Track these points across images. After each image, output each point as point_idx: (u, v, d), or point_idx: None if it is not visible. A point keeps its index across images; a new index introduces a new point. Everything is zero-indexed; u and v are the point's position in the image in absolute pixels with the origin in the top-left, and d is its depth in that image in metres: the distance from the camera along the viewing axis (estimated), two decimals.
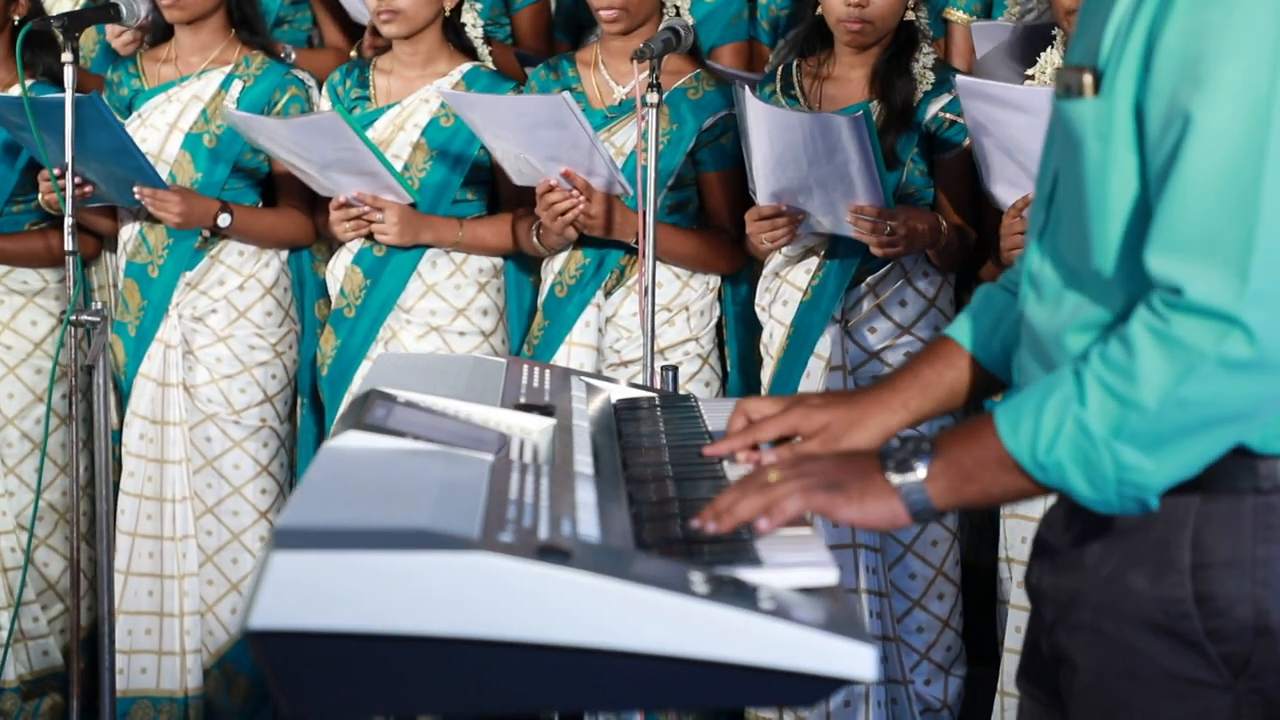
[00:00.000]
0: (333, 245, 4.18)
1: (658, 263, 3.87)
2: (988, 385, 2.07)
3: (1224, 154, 1.67)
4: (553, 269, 3.99)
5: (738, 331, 4.08)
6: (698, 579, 1.58)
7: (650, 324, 3.49)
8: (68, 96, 3.71)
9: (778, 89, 3.83)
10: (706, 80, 3.96)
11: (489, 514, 1.65)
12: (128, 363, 4.22)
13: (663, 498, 1.91)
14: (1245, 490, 1.77)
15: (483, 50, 4.12)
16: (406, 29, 3.97)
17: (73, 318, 3.68)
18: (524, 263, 4.16)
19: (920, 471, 1.77)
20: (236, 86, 4.16)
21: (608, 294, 3.95)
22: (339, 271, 4.11)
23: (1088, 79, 1.77)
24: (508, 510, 1.68)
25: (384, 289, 4.05)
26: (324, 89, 4.19)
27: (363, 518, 1.59)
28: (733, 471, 2.05)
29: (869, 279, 3.75)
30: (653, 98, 3.39)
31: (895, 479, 1.78)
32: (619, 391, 2.52)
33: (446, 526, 1.57)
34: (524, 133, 3.67)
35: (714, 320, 4.03)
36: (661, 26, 3.56)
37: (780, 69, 3.86)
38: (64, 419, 4.23)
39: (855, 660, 1.53)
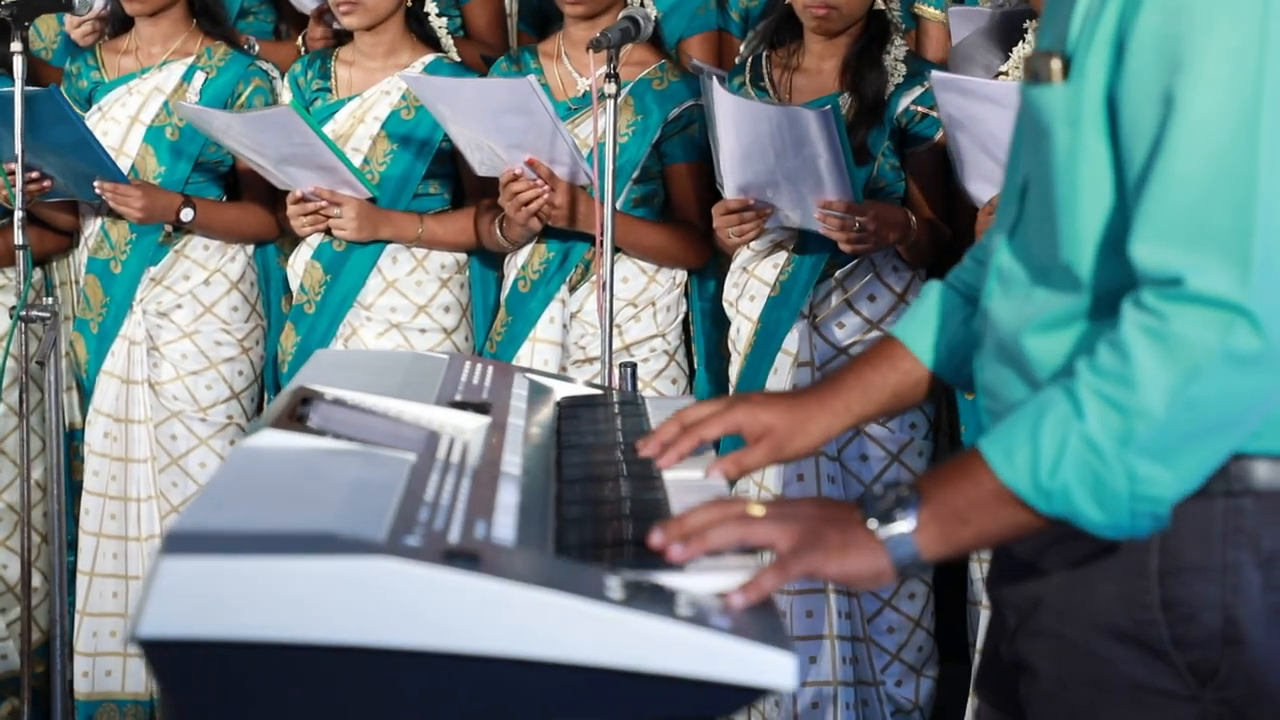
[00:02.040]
0: (295, 240, 4.11)
1: (623, 257, 3.83)
2: (933, 388, 2.00)
3: (1214, 136, 1.59)
4: (516, 264, 3.92)
5: (705, 327, 4.01)
6: (614, 584, 1.51)
7: (609, 320, 3.42)
8: (17, 88, 3.63)
9: (747, 80, 3.76)
10: (672, 71, 3.89)
11: (399, 516, 1.58)
12: (90, 360, 4.15)
13: (592, 499, 1.84)
14: (1215, 492, 1.68)
15: (446, 41, 4.05)
16: (368, 20, 3.90)
17: (23, 313, 3.61)
18: (489, 259, 4.08)
19: (906, 523, 1.65)
20: (199, 78, 4.09)
21: (572, 289, 3.88)
22: (299, 267, 4.05)
23: (1056, 64, 1.69)
24: (419, 512, 1.61)
25: (343, 285, 3.98)
26: (285, 80, 4.12)
27: (262, 521, 1.52)
28: (669, 474, 1.98)
29: (838, 274, 3.68)
30: (610, 88, 3.32)
31: (881, 532, 1.66)
32: (565, 389, 2.45)
33: (349, 529, 1.50)
34: (488, 118, 3.60)
35: (680, 316, 3.96)
36: (620, 15, 3.48)
37: (750, 60, 3.79)
38: (21, 416, 4.15)
39: (774, 669, 1.46)
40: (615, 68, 3.32)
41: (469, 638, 1.45)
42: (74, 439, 4.30)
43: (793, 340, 3.66)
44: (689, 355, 4.03)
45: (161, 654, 1.44)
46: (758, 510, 1.68)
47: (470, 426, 2.07)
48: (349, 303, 3.99)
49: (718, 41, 4.25)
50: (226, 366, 4.11)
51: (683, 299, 3.96)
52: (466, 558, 1.48)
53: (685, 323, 4.01)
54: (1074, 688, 1.76)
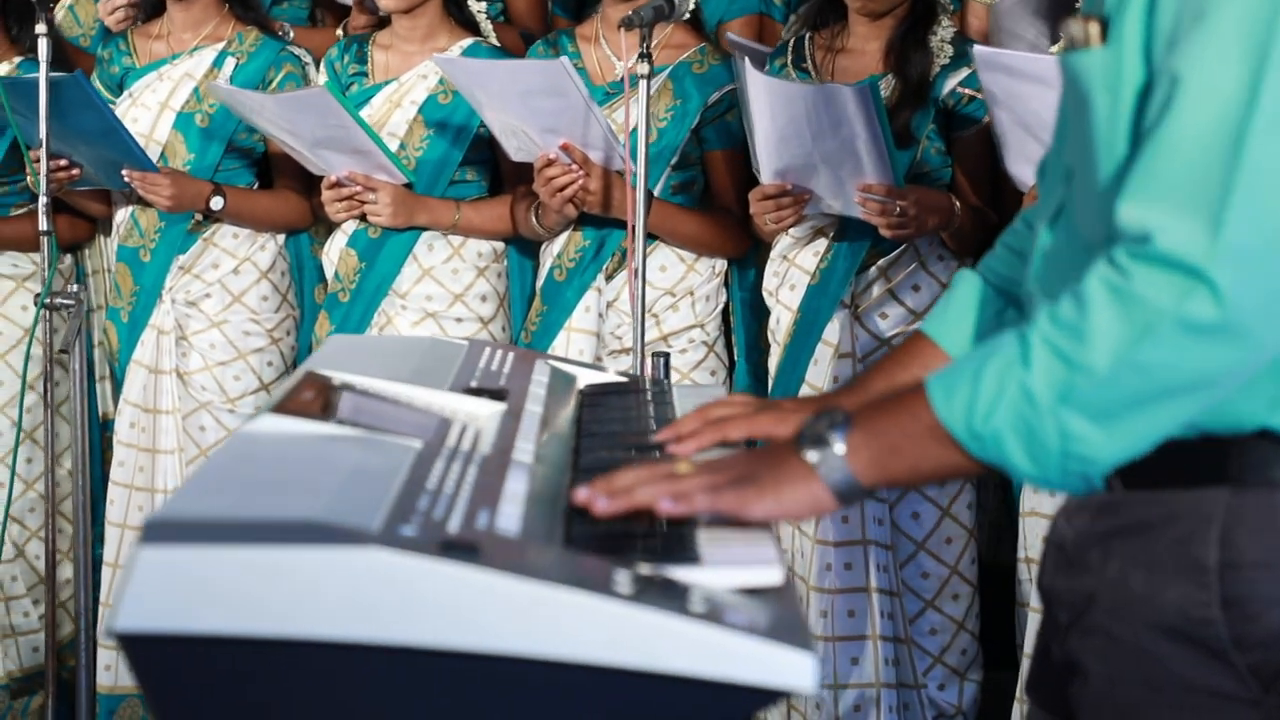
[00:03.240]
0: (331, 228, 4.03)
1: (661, 245, 3.74)
2: None
3: (1212, 99, 1.49)
4: (552, 252, 3.83)
5: (745, 318, 3.90)
6: (623, 578, 1.41)
7: (641, 308, 3.32)
8: (42, 72, 3.56)
9: (789, 62, 3.65)
10: (712, 54, 3.79)
11: (397, 505, 1.48)
12: (121, 349, 4.08)
13: None
14: (1278, 482, 1.59)
15: (485, 25, 3.97)
16: (405, 3, 3.82)
17: (47, 300, 3.54)
18: (526, 247, 3.99)
19: (838, 446, 1.60)
20: (230, 64, 4.02)
21: (609, 278, 3.78)
22: (334, 254, 3.97)
23: (1094, 28, 1.60)
24: (419, 501, 1.51)
25: (379, 273, 3.90)
26: (322, 65, 4.04)
27: (249, 508, 1.43)
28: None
29: (880, 262, 3.56)
30: (643, 68, 3.22)
31: (812, 457, 1.61)
32: (590, 377, 2.36)
33: (341, 518, 1.40)
34: (521, 101, 3.51)
35: (720, 306, 3.86)
36: None
37: (792, 42, 3.69)
38: (47, 406, 4.09)
39: (792, 670, 1.35)
40: (648, 47, 3.22)
41: (466, 633, 1.35)
42: (108, 429, 4.24)
43: (833, 331, 3.55)
44: (729, 346, 3.93)
45: (140, 649, 1.35)
46: (686, 467, 1.64)
47: (484, 413, 1.98)
48: (384, 291, 3.91)
49: (759, 25, 4.15)
50: (255, 357, 4.03)
51: (723, 289, 3.86)
52: (465, 549, 1.38)
53: (725, 313, 3.91)
54: (1125, 689, 1.67)
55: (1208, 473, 1.60)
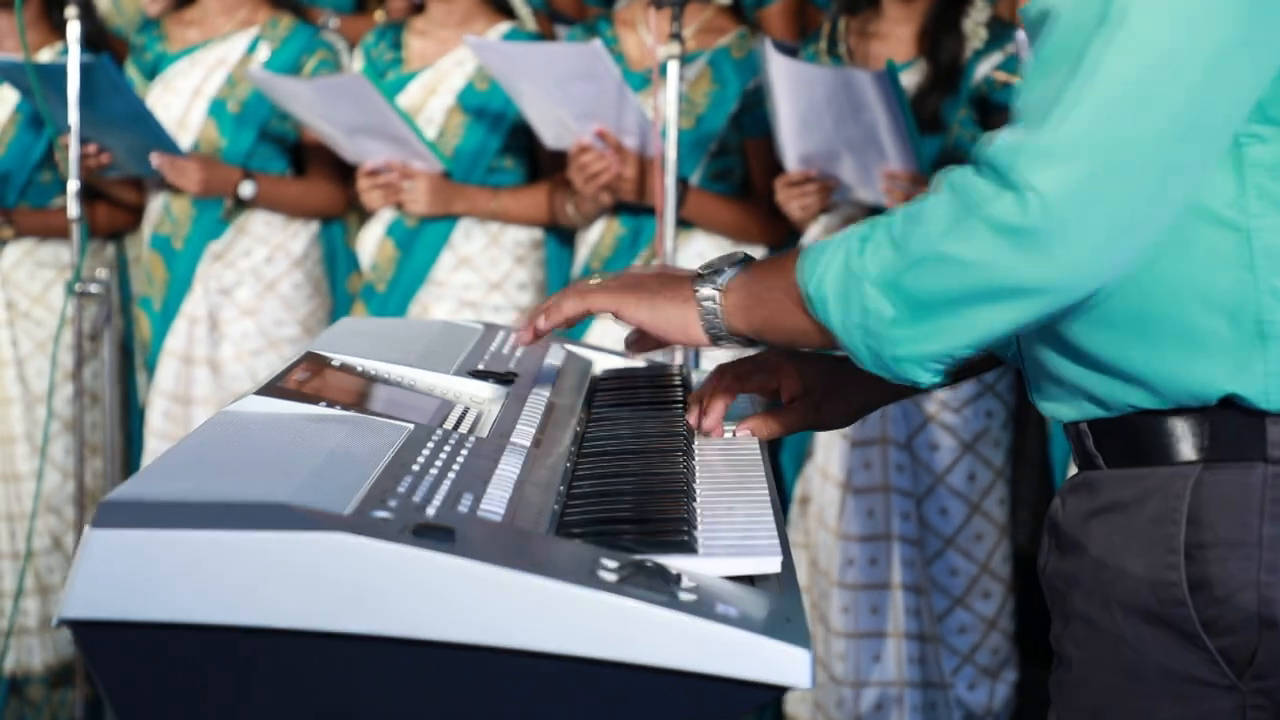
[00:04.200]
0: (365, 216, 3.96)
1: (698, 233, 3.65)
2: (979, 363, 1.82)
3: (1072, 16, 1.44)
4: (588, 240, 3.75)
5: None
6: (609, 566, 1.32)
7: None
8: (72, 57, 3.51)
9: (823, 48, 3.55)
10: (752, 39, 3.69)
11: (374, 488, 1.41)
12: (153, 338, 4.02)
13: (609, 473, 1.67)
14: (1253, 458, 1.50)
15: (523, 10, 3.89)
16: None
17: (76, 287, 3.48)
18: (565, 236, 3.91)
19: (721, 282, 1.64)
20: (263, 49, 3.95)
21: (646, 267, 3.69)
22: (370, 243, 3.90)
23: None
24: (400, 484, 1.43)
25: (416, 261, 3.82)
26: (357, 51, 3.97)
27: (212, 490, 1.35)
28: (702, 448, 1.80)
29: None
30: (674, 49, 3.13)
31: (698, 286, 1.65)
32: (607, 361, 2.28)
33: (309, 501, 1.32)
34: (554, 86, 3.43)
35: None
36: None
37: (826, 28, 3.59)
38: (91, 396, 4.04)
39: (786, 665, 1.26)
40: (679, 28, 3.13)
41: (437, 623, 1.27)
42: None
43: None
44: None
45: (90, 637, 1.28)
46: (595, 280, 1.75)
47: (488, 396, 1.91)
48: (421, 279, 3.84)
49: (798, 10, 4.05)
50: (288, 347, 3.96)
51: None
52: (438, 534, 1.30)
53: None
54: (1102, 675, 1.59)
55: (1181, 449, 1.53)
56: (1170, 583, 1.53)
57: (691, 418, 1.87)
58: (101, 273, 3.54)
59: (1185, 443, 1.53)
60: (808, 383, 1.87)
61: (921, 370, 1.52)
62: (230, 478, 1.41)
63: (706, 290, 1.64)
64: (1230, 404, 1.51)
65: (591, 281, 1.74)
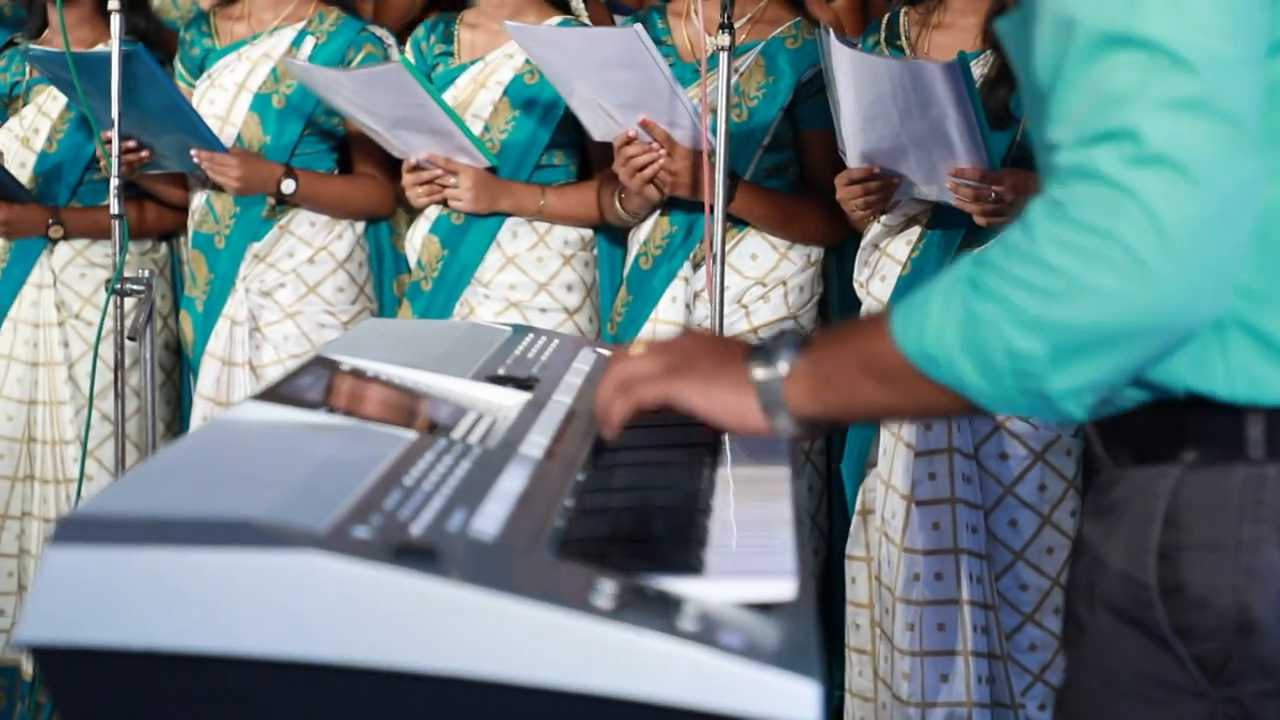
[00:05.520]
0: (412, 215, 3.88)
1: (752, 232, 3.55)
2: None
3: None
4: (638, 239, 3.64)
5: (843, 310, 3.68)
6: (606, 590, 1.23)
7: (719, 297, 3.12)
8: (114, 48, 3.44)
9: (882, 39, 3.44)
10: (807, 28, 3.58)
11: (360, 503, 1.31)
12: (196, 340, 3.96)
13: (621, 487, 1.57)
14: (1233, 458, 1.47)
15: (577, 3, 3.79)
16: None
17: (117, 286, 3.42)
18: (617, 234, 3.82)
19: (782, 365, 1.53)
20: (309, 43, 3.88)
21: (696, 266, 3.58)
22: (417, 241, 3.81)
23: None
24: (388, 499, 1.34)
25: (461, 260, 3.74)
26: (408, 45, 3.90)
27: (182, 505, 1.26)
28: (731, 460, 1.70)
29: (976, 251, 3.31)
30: (724, 39, 3.02)
31: (755, 369, 1.54)
32: None
33: (284, 517, 1.23)
34: (598, 74, 3.33)
35: (816, 297, 3.64)
36: None
37: (886, 18, 3.47)
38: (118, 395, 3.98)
39: (789, 700, 1.16)
40: (729, 17, 3.02)
41: (415, 651, 1.18)
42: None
43: None
44: None
45: (49, 661, 1.19)
46: (639, 348, 1.63)
47: (505, 403, 1.81)
48: (466, 279, 3.75)
49: (863, 3, 3.94)
50: None
51: (819, 279, 3.66)
52: (419, 554, 1.21)
53: (824, 306, 3.70)
54: (1087, 677, 1.56)
55: (1166, 448, 1.50)
56: (1143, 584, 1.49)
57: None
58: (143, 272, 3.46)
59: (1169, 441, 1.50)
60: None
61: (1077, 405, 1.44)
62: (208, 490, 1.32)
63: (764, 374, 1.54)
64: (1206, 401, 1.47)
65: (634, 354, 1.62)
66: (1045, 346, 1.39)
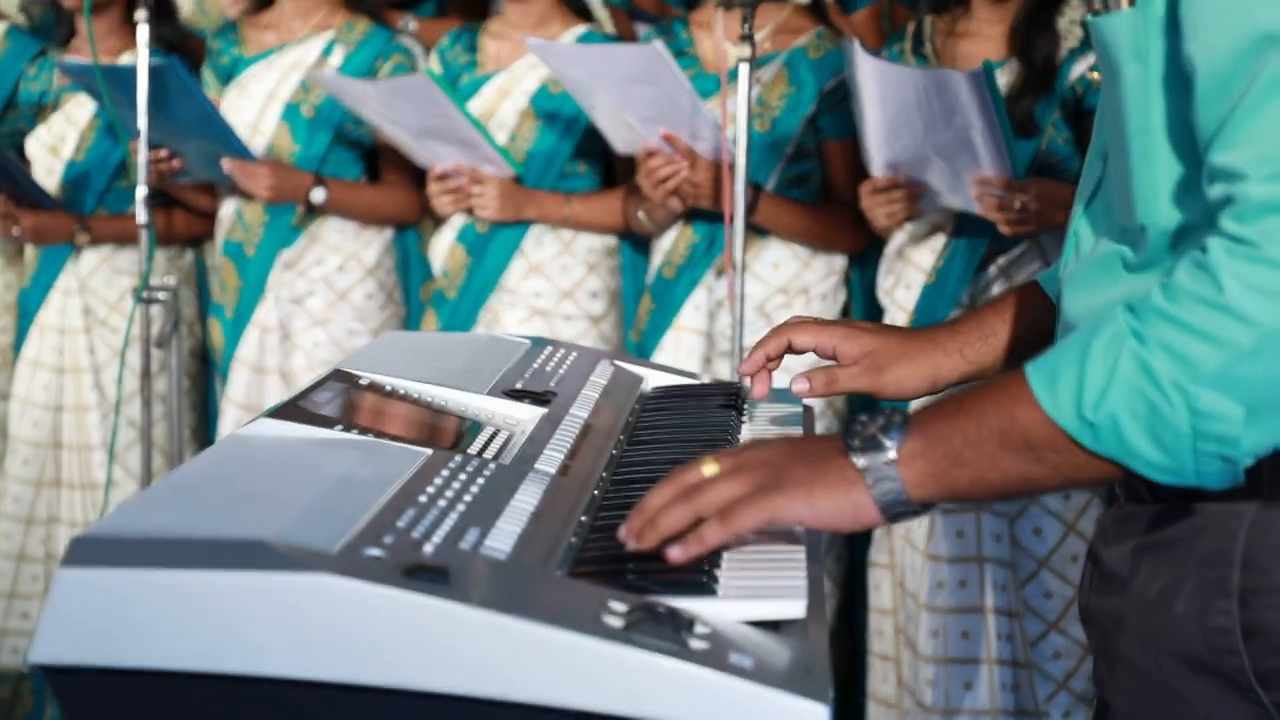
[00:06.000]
0: (437, 222, 3.89)
1: (774, 241, 3.55)
2: None
3: None
4: (662, 248, 3.65)
5: (864, 318, 3.68)
6: (617, 610, 1.23)
7: (739, 306, 3.12)
8: (140, 60, 3.46)
9: (907, 48, 3.43)
10: (830, 38, 3.58)
11: (372, 522, 1.32)
12: (225, 346, 3.97)
13: (631, 504, 1.57)
14: None
15: (600, 13, 3.80)
16: None
17: (144, 294, 3.44)
18: (641, 243, 3.82)
19: (890, 451, 1.38)
20: (338, 53, 3.89)
21: (720, 274, 3.59)
22: (441, 249, 3.83)
23: None
24: (401, 517, 1.35)
25: (486, 268, 3.75)
26: (433, 54, 3.91)
27: (194, 525, 1.27)
28: None
29: (1001, 260, 3.31)
30: (744, 50, 3.02)
31: (860, 461, 1.39)
32: (659, 379, 2.18)
33: (295, 538, 1.24)
34: (620, 89, 3.34)
35: (839, 305, 3.65)
36: None
37: (911, 28, 3.47)
38: (162, 401, 4.00)
39: None
40: (750, 29, 3.02)
41: (425, 672, 1.18)
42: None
43: None
44: None
45: (62, 682, 1.20)
46: (711, 468, 1.43)
47: (521, 418, 1.82)
48: (491, 287, 3.76)
49: (887, 13, 3.93)
50: None
51: (842, 287, 3.65)
52: (430, 574, 1.21)
53: (845, 313, 3.70)
54: None
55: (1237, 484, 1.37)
56: (1223, 629, 1.41)
57: (744, 367, 1.82)
58: (169, 279, 3.48)
59: (1244, 479, 1.37)
60: (868, 346, 1.76)
61: (1244, 466, 1.35)
62: (221, 510, 1.33)
63: (874, 464, 1.39)
64: None
65: (708, 471, 1.44)
66: (1240, 405, 1.29)
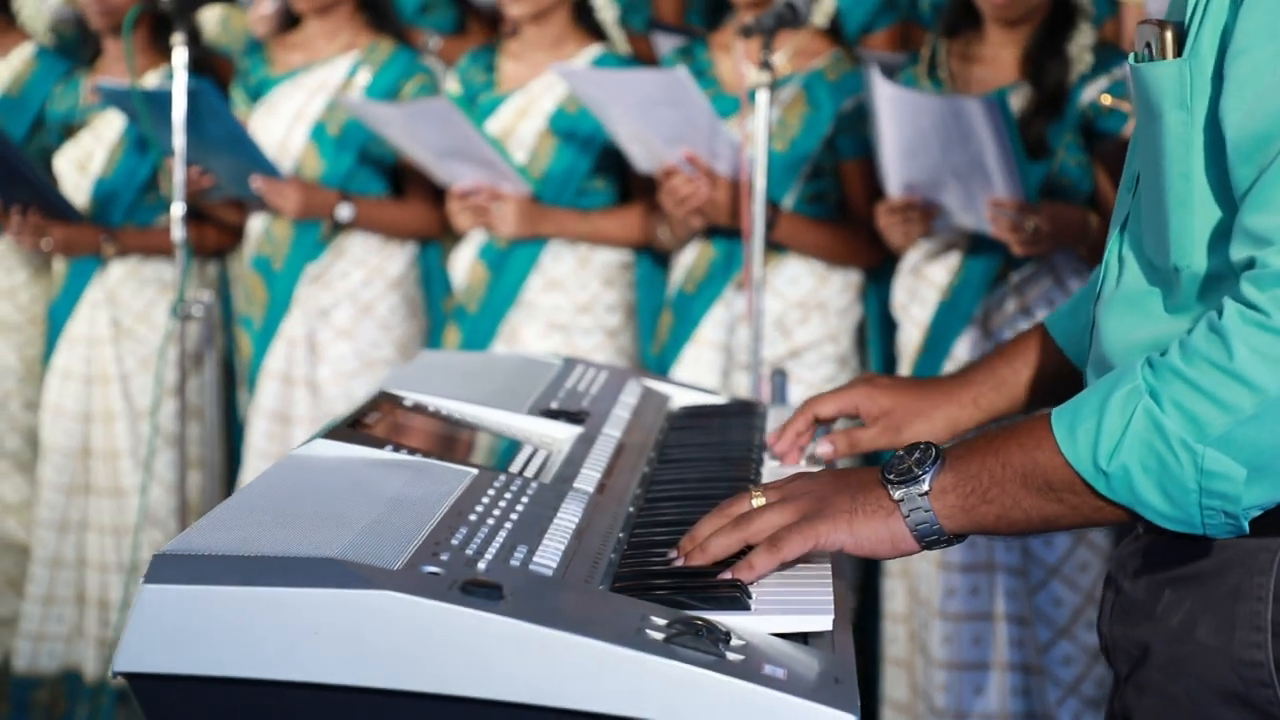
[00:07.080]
0: (460, 238, 3.98)
1: (792, 257, 3.65)
2: (1073, 385, 1.75)
3: None
4: (682, 263, 3.74)
5: (880, 333, 3.78)
6: (657, 624, 1.32)
7: (757, 323, 3.22)
8: (177, 82, 3.56)
9: (923, 72, 3.52)
10: (846, 61, 3.67)
11: (427, 540, 1.41)
12: (253, 357, 4.07)
13: (672, 521, 1.66)
14: None
15: (616, 33, 3.89)
16: (532, 8, 3.76)
17: (180, 310, 3.53)
18: (658, 258, 3.91)
19: (924, 484, 1.49)
20: (364, 73, 3.99)
21: (739, 289, 3.68)
22: (462, 264, 3.92)
23: (1168, 35, 1.47)
24: (455, 535, 1.44)
25: (505, 283, 3.84)
26: (451, 74, 4.00)
27: (264, 544, 1.36)
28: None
29: (1014, 277, 3.41)
30: (764, 76, 3.12)
31: (897, 493, 1.50)
32: (686, 398, 2.27)
33: (358, 555, 1.34)
34: (641, 111, 3.43)
35: (855, 320, 3.74)
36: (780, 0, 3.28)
37: (927, 51, 3.56)
38: (194, 412, 4.09)
39: None
40: (769, 55, 3.12)
41: (481, 682, 1.27)
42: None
43: (964, 348, 3.41)
44: (863, 363, 3.81)
45: (145, 688, 1.30)
46: (759, 499, 1.56)
47: (558, 437, 1.91)
48: (510, 302, 3.85)
49: (902, 35, 4.02)
50: (384, 369, 4.00)
51: (858, 302, 3.75)
52: (486, 590, 1.31)
53: (861, 328, 3.79)
54: None
55: (1264, 518, 1.44)
56: (1256, 663, 1.47)
57: (775, 445, 1.94)
58: (204, 295, 3.58)
59: (1272, 513, 1.44)
60: (886, 405, 1.88)
61: (1249, 518, 1.42)
62: (287, 528, 1.42)
63: (910, 496, 1.49)
64: None
65: (755, 503, 1.57)
66: (1243, 465, 1.36)
